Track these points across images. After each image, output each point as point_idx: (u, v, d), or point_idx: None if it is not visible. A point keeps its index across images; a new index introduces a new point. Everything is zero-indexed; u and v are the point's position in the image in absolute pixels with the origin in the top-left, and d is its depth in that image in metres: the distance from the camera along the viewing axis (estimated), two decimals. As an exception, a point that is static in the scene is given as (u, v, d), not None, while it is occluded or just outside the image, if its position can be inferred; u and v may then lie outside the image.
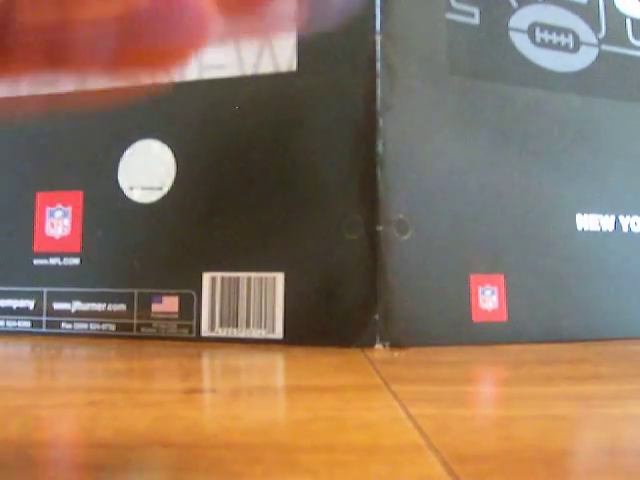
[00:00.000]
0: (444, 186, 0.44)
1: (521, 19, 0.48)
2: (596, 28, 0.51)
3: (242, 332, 0.43)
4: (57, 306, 0.46)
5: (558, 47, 0.49)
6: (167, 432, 0.20)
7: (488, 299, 0.43)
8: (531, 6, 0.49)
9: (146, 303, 0.45)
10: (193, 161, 0.46)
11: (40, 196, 0.48)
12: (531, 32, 0.48)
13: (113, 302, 0.45)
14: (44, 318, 0.47)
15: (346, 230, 0.42)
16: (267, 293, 0.43)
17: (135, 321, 0.45)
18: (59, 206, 0.47)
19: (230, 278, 0.43)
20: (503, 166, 0.46)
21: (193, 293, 0.44)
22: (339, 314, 0.41)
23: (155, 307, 0.44)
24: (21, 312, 0.47)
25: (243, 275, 0.43)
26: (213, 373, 0.35)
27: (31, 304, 0.47)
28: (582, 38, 0.50)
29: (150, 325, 0.44)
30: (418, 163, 0.44)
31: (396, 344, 0.41)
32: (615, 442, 0.20)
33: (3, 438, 0.20)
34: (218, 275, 0.44)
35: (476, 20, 0.47)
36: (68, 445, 0.20)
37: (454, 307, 0.43)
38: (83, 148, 0.48)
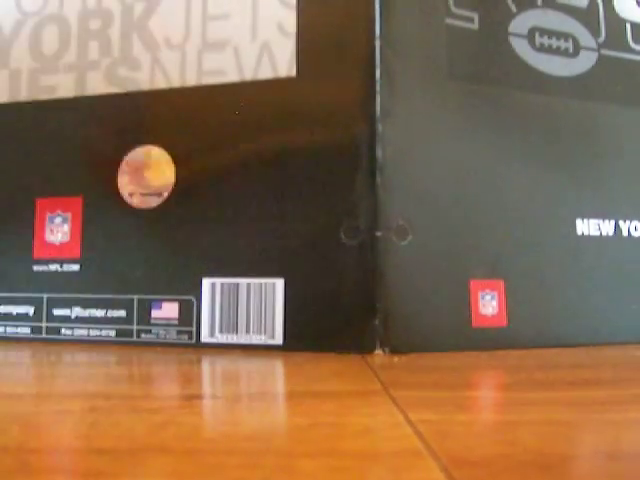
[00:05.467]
0: (443, 191, 0.44)
1: (521, 24, 0.48)
2: (596, 32, 0.51)
3: (242, 338, 0.43)
4: (57, 312, 0.46)
5: (558, 52, 0.49)
6: (167, 438, 0.20)
7: (488, 304, 0.43)
8: (531, 11, 0.49)
9: (146, 309, 0.45)
10: (192, 167, 0.46)
11: (40, 202, 0.48)
12: (531, 37, 0.49)
13: (113, 308, 0.45)
14: (44, 324, 0.46)
15: (345, 236, 0.42)
16: (267, 299, 0.43)
17: (135, 327, 0.45)
18: (59, 212, 0.48)
19: (230, 284, 0.43)
20: (503, 171, 0.46)
21: (193, 299, 0.44)
22: (339, 320, 0.41)
23: (155, 313, 0.44)
24: (21, 318, 0.47)
25: (243, 281, 0.43)
26: (213, 379, 0.35)
27: (31, 310, 0.47)
28: (582, 42, 0.50)
29: (150, 331, 0.44)
30: (417, 168, 0.44)
31: (396, 350, 0.41)
32: (615, 447, 0.20)
33: (3, 444, 0.20)
34: (218, 281, 0.44)
35: (476, 25, 0.47)
36: (68, 451, 0.20)
37: (454, 312, 0.43)
38: (83, 154, 0.48)
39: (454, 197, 0.44)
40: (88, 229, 0.47)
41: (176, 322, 0.44)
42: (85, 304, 0.46)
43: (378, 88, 0.43)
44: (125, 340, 0.45)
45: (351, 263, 0.42)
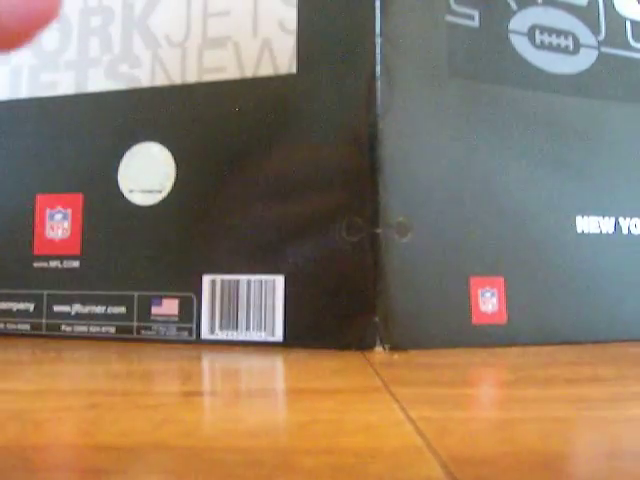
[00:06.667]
0: (444, 188, 0.44)
1: (521, 21, 0.48)
2: (596, 30, 0.51)
3: (242, 335, 0.43)
4: (57, 309, 0.46)
5: (558, 49, 0.49)
6: (167, 435, 0.20)
7: (488, 301, 0.43)
8: (531, 8, 0.49)
9: (146, 306, 0.45)
10: (193, 164, 0.46)
11: (40, 198, 0.48)
12: (531, 34, 0.48)
13: (113, 305, 0.45)
14: (44, 321, 0.46)
15: (346, 233, 0.42)
16: (267, 296, 0.43)
17: (135, 324, 0.45)
18: (59, 208, 0.48)
19: (230, 281, 0.43)
20: (503, 168, 0.46)
21: (193, 296, 0.44)
22: (339, 316, 0.41)
23: (155, 310, 0.44)
24: (21, 315, 0.47)
25: (243, 278, 0.43)
26: (213, 376, 0.35)
27: (31, 307, 0.47)
28: (582, 40, 0.50)
29: (150, 328, 0.44)
30: (418, 166, 0.44)
31: (396, 346, 0.41)
32: (615, 445, 0.20)
33: (3, 441, 0.20)
34: (218, 277, 0.44)
35: (476, 23, 0.47)
36: (68, 448, 0.20)
37: (454, 309, 0.43)
38: (83, 150, 0.48)
39: (454, 194, 0.44)
40: (88, 226, 0.47)
41: (176, 319, 0.44)
42: (85, 301, 0.46)
43: (378, 85, 0.43)
44: (125, 337, 0.45)
45: (352, 260, 0.42)
